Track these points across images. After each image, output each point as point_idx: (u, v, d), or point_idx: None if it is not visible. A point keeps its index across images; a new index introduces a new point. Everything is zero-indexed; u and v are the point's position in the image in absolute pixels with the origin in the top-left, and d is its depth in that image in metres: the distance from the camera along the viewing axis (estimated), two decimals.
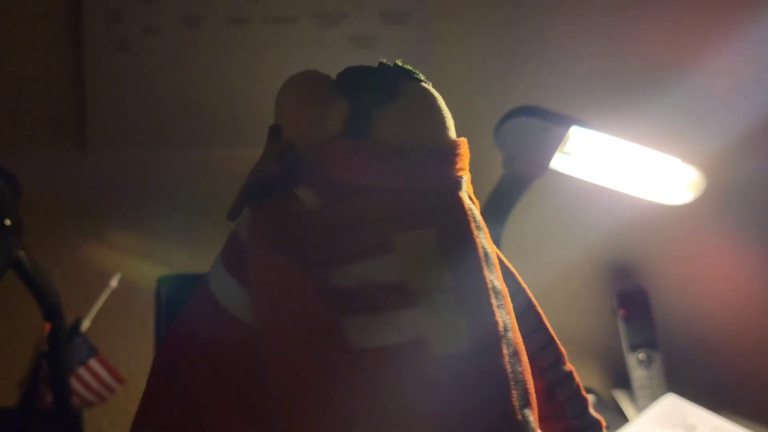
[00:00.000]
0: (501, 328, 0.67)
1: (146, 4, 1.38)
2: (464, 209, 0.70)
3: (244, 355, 0.71)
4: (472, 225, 0.70)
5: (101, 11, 1.38)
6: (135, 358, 1.42)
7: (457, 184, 0.70)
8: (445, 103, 0.72)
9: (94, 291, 1.35)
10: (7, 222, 0.99)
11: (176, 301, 1.20)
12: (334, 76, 0.76)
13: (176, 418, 0.74)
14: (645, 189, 1.21)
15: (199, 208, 1.44)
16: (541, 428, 0.69)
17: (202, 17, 1.40)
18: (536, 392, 0.69)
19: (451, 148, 0.71)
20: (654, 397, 1.39)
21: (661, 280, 1.51)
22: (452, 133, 0.72)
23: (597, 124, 1.19)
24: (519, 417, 0.65)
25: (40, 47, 1.39)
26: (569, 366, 0.77)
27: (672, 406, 1.35)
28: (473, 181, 0.72)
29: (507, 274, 0.73)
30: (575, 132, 1.17)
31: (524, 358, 0.69)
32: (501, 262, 0.72)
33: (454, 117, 0.72)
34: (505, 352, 0.67)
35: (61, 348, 1.14)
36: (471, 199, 0.72)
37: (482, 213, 0.73)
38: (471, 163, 0.71)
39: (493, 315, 0.67)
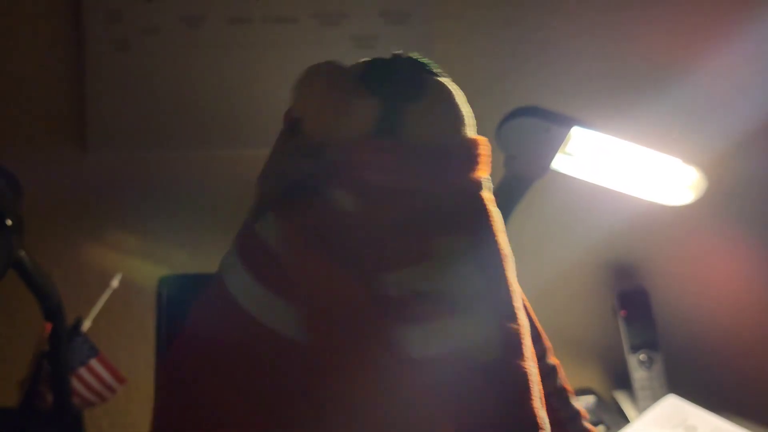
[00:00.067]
0: (524, 332, 0.68)
1: (146, 4, 1.38)
2: (490, 211, 0.70)
3: (268, 361, 0.69)
4: (498, 227, 0.70)
5: (101, 11, 1.38)
6: (136, 358, 1.42)
7: (480, 185, 0.71)
8: None
9: (94, 291, 1.35)
10: (8, 222, 0.98)
11: (177, 301, 1.20)
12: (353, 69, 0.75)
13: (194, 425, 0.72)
14: (646, 189, 1.21)
15: (200, 208, 1.44)
16: None
17: (203, 17, 1.40)
18: None
19: (476, 147, 0.71)
20: (655, 397, 1.39)
21: (661, 281, 1.51)
22: (474, 130, 0.72)
23: (598, 124, 1.18)
24: (539, 419, 0.67)
25: (41, 47, 1.39)
26: (554, 359, 0.78)
27: (673, 407, 1.35)
28: None
29: None
30: (576, 132, 1.17)
31: (534, 358, 0.70)
32: None
33: None
34: (527, 355, 0.67)
35: (61, 348, 1.13)
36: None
37: None
38: None
39: (518, 320, 0.68)
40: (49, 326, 1.12)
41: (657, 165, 1.19)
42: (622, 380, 1.46)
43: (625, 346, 1.43)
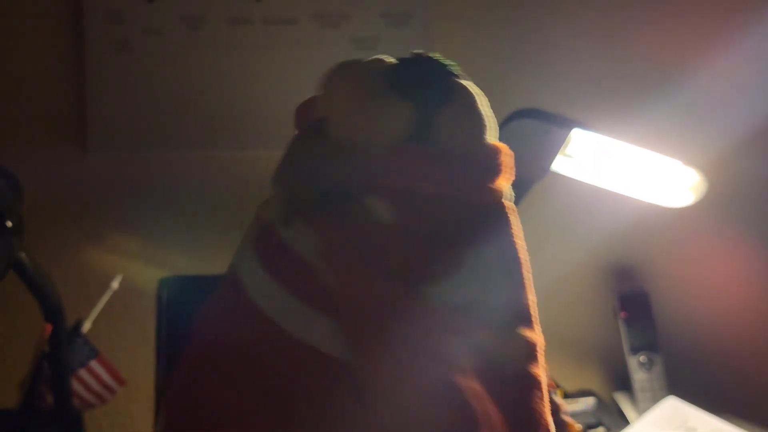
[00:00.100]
0: (540, 341, 0.69)
1: (147, 5, 1.38)
2: (511, 220, 0.71)
3: (308, 380, 0.68)
4: (519, 236, 0.71)
5: (102, 12, 1.38)
6: (136, 359, 1.42)
7: (502, 193, 0.72)
8: None
9: (95, 292, 1.35)
10: (8, 223, 0.98)
11: (177, 302, 1.20)
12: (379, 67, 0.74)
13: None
14: (646, 191, 1.21)
15: (201, 209, 1.44)
16: None
17: (203, 18, 1.40)
18: None
19: (500, 155, 0.71)
20: (655, 399, 1.39)
21: (662, 283, 1.51)
22: (495, 135, 0.72)
23: (598, 126, 1.18)
24: (549, 425, 0.69)
25: (41, 48, 1.39)
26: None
27: (673, 409, 1.35)
28: None
29: None
30: (577, 134, 1.17)
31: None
32: None
33: None
34: (541, 362, 0.68)
35: (62, 349, 1.13)
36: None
37: None
38: None
39: (535, 328, 0.70)
40: (49, 327, 1.12)
41: (657, 167, 1.19)
42: (623, 382, 1.46)
43: (626, 348, 1.43)
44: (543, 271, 1.43)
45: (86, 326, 1.30)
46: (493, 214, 0.71)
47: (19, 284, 1.06)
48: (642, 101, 1.44)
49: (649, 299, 1.45)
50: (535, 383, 0.68)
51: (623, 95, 1.46)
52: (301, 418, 0.67)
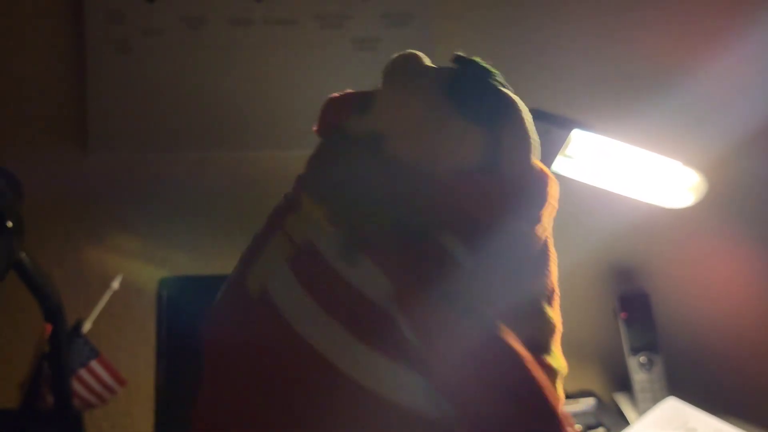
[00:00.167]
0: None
1: (147, 6, 1.39)
2: (553, 254, 0.72)
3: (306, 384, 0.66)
4: (554, 267, 0.72)
5: (103, 12, 1.38)
6: (136, 359, 1.42)
7: (544, 225, 0.71)
8: None
9: (95, 292, 1.35)
10: (9, 224, 0.98)
11: (178, 302, 1.20)
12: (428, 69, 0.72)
13: None
14: (646, 192, 1.21)
15: (201, 209, 1.44)
16: None
17: (204, 19, 1.40)
18: None
19: (549, 182, 0.70)
20: (655, 400, 1.39)
21: (662, 283, 1.51)
22: (538, 153, 0.72)
23: (598, 126, 1.18)
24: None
25: (42, 48, 1.39)
26: None
27: (673, 409, 1.35)
28: None
29: None
30: (577, 135, 1.17)
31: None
32: None
33: None
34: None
35: (62, 349, 1.13)
36: None
37: None
38: None
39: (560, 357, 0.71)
40: (49, 327, 1.12)
41: (657, 167, 1.19)
42: (623, 382, 1.46)
43: (626, 349, 1.43)
44: None
45: (86, 326, 1.30)
46: (541, 249, 0.71)
47: (20, 284, 1.06)
48: (642, 102, 1.44)
49: (649, 300, 1.45)
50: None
51: (623, 96, 1.46)
52: None
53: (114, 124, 1.41)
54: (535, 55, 1.46)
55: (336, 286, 0.66)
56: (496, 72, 0.73)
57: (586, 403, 1.44)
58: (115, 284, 1.34)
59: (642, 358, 1.42)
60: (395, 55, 0.79)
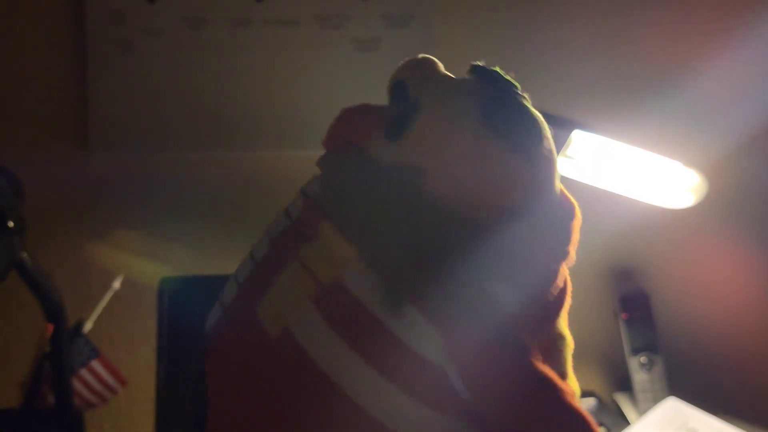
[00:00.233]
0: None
1: (149, 6, 1.39)
2: (569, 291, 0.71)
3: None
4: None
5: (104, 12, 1.38)
6: (137, 359, 1.42)
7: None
8: None
9: (96, 292, 1.35)
10: (10, 223, 0.98)
11: (179, 302, 1.20)
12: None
13: None
14: (647, 193, 1.21)
15: (202, 209, 1.45)
16: None
17: (205, 19, 1.40)
18: None
19: (575, 216, 0.70)
20: (655, 400, 1.39)
21: (662, 284, 1.51)
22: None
23: (599, 127, 1.18)
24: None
25: (43, 48, 1.39)
26: None
27: (673, 410, 1.35)
28: None
29: None
30: (577, 136, 1.17)
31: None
32: None
33: None
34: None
35: (63, 349, 1.13)
36: None
37: None
38: None
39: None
40: (50, 327, 1.12)
41: (658, 168, 1.19)
42: (623, 382, 1.46)
43: (626, 349, 1.43)
44: None
45: (87, 326, 1.30)
46: (563, 285, 0.69)
47: (21, 284, 1.06)
48: (643, 103, 1.44)
49: (649, 300, 1.45)
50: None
51: (624, 97, 1.46)
52: None
53: (115, 124, 1.41)
54: (535, 56, 1.46)
55: (377, 336, 0.63)
56: (517, 84, 0.72)
57: (587, 403, 1.44)
58: (116, 284, 1.35)
59: (642, 359, 1.42)
60: (407, 61, 0.76)
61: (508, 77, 0.72)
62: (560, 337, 0.69)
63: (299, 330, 0.65)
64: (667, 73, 1.45)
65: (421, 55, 0.76)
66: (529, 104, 0.71)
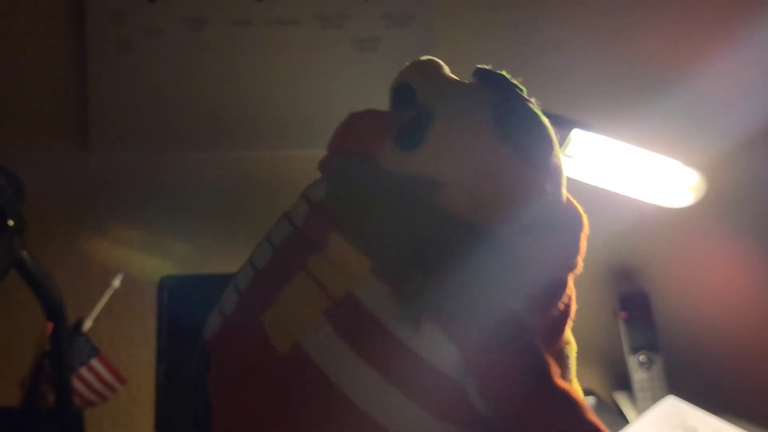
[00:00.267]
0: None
1: (149, 6, 1.39)
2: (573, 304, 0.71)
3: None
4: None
5: (104, 12, 1.38)
6: (136, 357, 1.42)
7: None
8: None
9: (96, 291, 1.35)
10: (10, 222, 0.98)
11: (178, 301, 1.20)
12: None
13: None
14: (646, 192, 1.21)
15: (201, 208, 1.45)
16: None
17: (205, 19, 1.41)
18: None
19: (584, 219, 0.73)
20: (655, 399, 1.39)
21: (662, 283, 1.51)
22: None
23: (598, 126, 1.19)
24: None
25: (43, 48, 1.39)
26: None
27: (672, 408, 1.35)
28: None
29: None
30: (576, 135, 1.17)
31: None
32: None
33: None
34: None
35: (63, 348, 1.13)
36: None
37: None
38: None
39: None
40: (50, 326, 1.12)
41: (657, 167, 1.19)
42: (622, 381, 1.46)
43: (625, 348, 1.43)
44: None
45: (87, 325, 1.30)
46: (570, 294, 0.70)
47: (21, 283, 1.06)
48: (642, 102, 1.44)
49: (648, 299, 1.45)
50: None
51: (623, 96, 1.46)
52: None
53: (115, 124, 1.41)
54: (534, 55, 1.46)
55: (395, 351, 0.62)
56: (522, 87, 0.71)
57: (586, 402, 1.44)
58: (116, 283, 1.35)
59: (642, 357, 1.42)
60: (411, 63, 0.75)
61: (515, 82, 0.71)
62: (567, 343, 0.69)
63: (311, 344, 0.63)
64: (667, 72, 1.46)
65: (426, 57, 0.75)
66: (539, 111, 0.70)
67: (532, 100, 0.71)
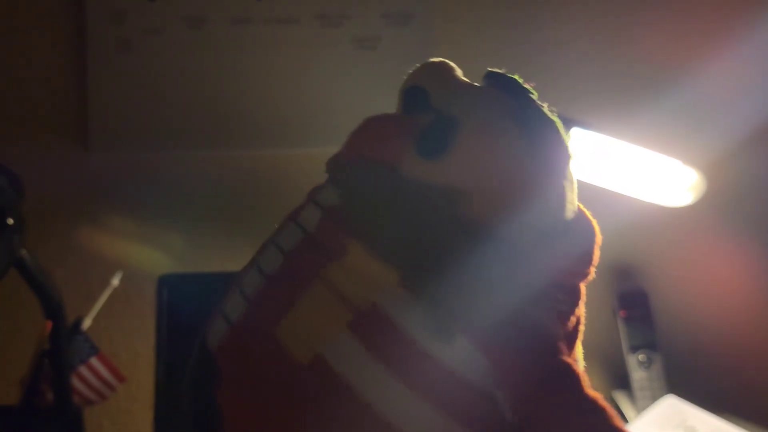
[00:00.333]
0: None
1: (149, 5, 1.39)
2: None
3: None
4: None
5: (104, 11, 1.38)
6: (136, 356, 1.42)
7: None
8: None
9: (95, 290, 1.35)
10: (10, 221, 0.98)
11: (178, 299, 1.20)
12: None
13: None
14: (646, 191, 1.21)
15: (201, 207, 1.45)
16: None
17: (205, 18, 1.41)
18: None
19: (596, 228, 0.73)
20: (654, 398, 1.39)
21: (661, 282, 1.51)
22: None
23: (598, 125, 1.19)
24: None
25: (43, 47, 1.40)
26: None
27: (672, 408, 1.35)
28: None
29: None
30: (576, 134, 1.17)
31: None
32: None
33: None
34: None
35: (62, 346, 1.14)
36: None
37: None
38: None
39: None
40: (49, 325, 1.13)
41: (657, 166, 1.20)
42: (622, 380, 1.46)
43: (625, 347, 1.43)
44: None
45: (87, 323, 1.30)
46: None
47: (20, 282, 1.06)
48: (642, 101, 1.44)
49: (648, 298, 1.45)
50: None
51: (623, 95, 1.46)
52: None
53: (115, 123, 1.41)
54: (534, 55, 1.46)
55: (423, 363, 0.61)
56: (534, 92, 0.71)
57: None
58: (116, 281, 1.35)
59: (641, 357, 1.42)
60: (422, 65, 0.74)
61: (527, 86, 0.71)
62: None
63: (335, 356, 0.62)
64: (667, 71, 1.46)
65: (437, 59, 0.74)
66: (555, 117, 0.70)
67: (545, 105, 0.71)
